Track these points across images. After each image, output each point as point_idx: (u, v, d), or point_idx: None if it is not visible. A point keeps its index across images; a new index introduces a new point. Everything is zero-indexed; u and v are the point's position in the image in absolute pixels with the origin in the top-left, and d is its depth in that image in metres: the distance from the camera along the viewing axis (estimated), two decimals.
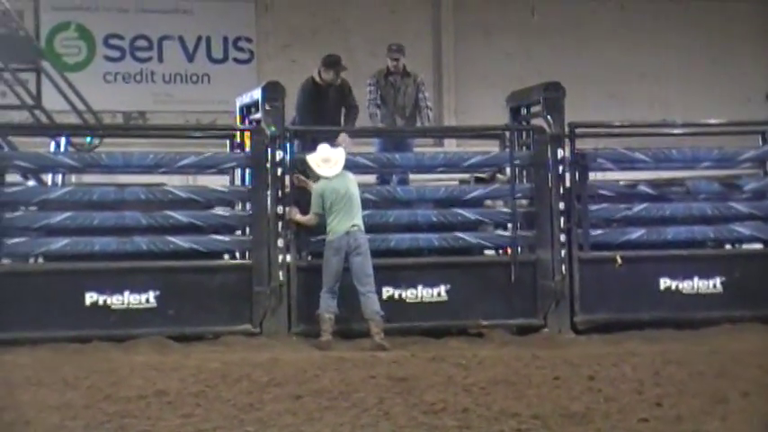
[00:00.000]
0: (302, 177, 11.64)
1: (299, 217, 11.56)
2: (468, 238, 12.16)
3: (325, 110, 12.78)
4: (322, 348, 10.77)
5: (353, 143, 12.43)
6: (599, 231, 12.28)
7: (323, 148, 11.54)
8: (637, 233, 12.30)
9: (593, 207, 12.29)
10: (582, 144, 12.46)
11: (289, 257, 11.64)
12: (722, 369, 8.77)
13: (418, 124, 13.54)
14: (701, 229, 12.50)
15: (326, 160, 11.44)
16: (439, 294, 11.93)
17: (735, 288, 12.23)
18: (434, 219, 12.17)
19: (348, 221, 11.27)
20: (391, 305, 11.53)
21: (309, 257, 11.81)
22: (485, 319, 11.82)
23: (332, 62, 12.86)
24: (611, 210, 12.41)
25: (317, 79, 12.84)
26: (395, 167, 12.61)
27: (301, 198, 11.65)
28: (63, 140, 13.20)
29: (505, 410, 6.71)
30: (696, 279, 12.20)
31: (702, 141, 13.36)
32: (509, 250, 12.37)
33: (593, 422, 6.32)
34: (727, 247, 12.93)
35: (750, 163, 13.04)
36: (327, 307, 11.07)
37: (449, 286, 11.94)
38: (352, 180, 11.53)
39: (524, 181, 12.42)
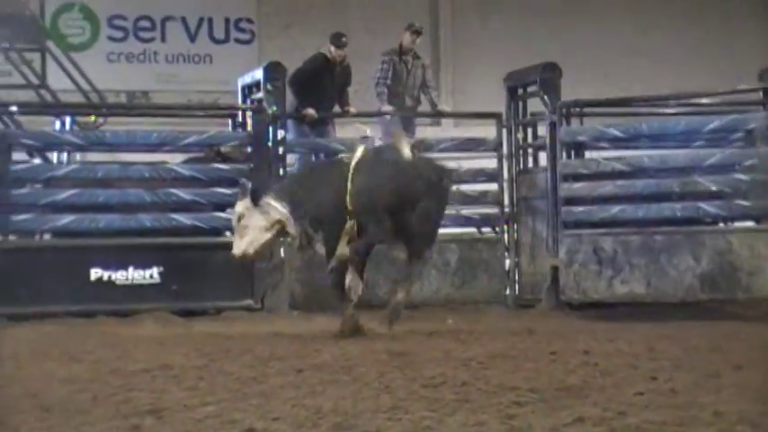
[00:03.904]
0: None
1: None
2: None
3: (331, 86, 12.85)
4: None
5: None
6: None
7: None
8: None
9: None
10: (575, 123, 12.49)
11: None
12: (715, 344, 8.77)
13: (426, 105, 13.69)
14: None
15: None
16: None
17: None
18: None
19: None
20: None
21: None
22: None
23: (342, 41, 13.01)
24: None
25: (328, 55, 12.92)
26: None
27: None
28: (68, 119, 13.22)
29: (503, 384, 6.69)
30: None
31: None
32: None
33: (589, 396, 6.31)
34: None
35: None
36: None
37: None
38: None
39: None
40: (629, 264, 11.91)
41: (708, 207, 11.92)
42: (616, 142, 12.40)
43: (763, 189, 11.81)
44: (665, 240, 11.93)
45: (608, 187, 12.10)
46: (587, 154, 12.53)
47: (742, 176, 11.84)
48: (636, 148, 12.57)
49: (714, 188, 11.87)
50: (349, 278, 9.66)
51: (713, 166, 11.95)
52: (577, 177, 12.22)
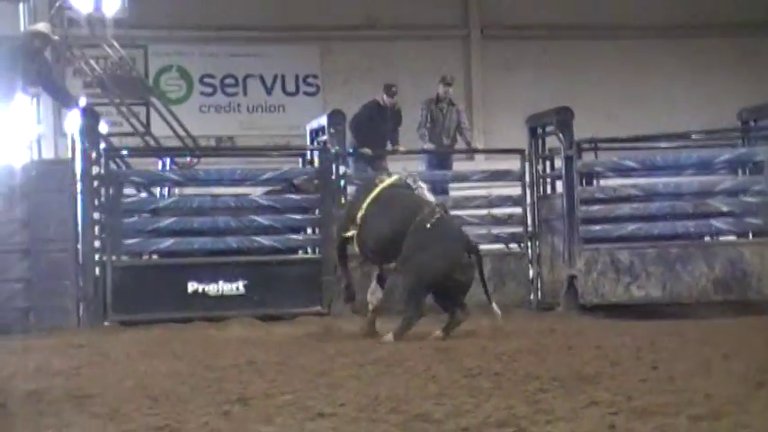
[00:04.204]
0: None
1: None
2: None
3: (383, 128, 12.93)
4: None
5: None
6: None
7: None
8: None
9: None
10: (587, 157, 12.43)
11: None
12: (706, 338, 8.68)
13: (462, 143, 13.75)
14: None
15: None
16: None
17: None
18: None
19: None
20: None
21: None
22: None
23: (392, 91, 13.13)
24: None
25: (381, 102, 13.01)
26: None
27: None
28: (168, 160, 13.32)
29: (530, 374, 6.65)
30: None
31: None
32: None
33: (601, 382, 6.25)
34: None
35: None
36: None
37: None
38: None
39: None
40: (645, 272, 11.79)
41: (720, 224, 11.87)
42: (628, 172, 12.28)
43: None
44: (679, 252, 11.80)
45: (625, 209, 12.02)
46: (601, 182, 12.46)
47: (751, 199, 11.80)
48: (631, 177, 12.45)
49: (725, 209, 11.83)
50: (371, 288, 9.55)
51: (724, 191, 11.95)
52: (595, 201, 12.14)
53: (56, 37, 13.23)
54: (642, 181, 12.39)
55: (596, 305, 11.84)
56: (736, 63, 19.85)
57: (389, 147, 13.22)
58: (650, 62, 19.77)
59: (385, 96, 13.17)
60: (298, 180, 12.18)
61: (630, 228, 11.94)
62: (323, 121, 12.54)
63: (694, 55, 19.92)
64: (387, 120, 13.13)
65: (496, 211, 12.66)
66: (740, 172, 12.51)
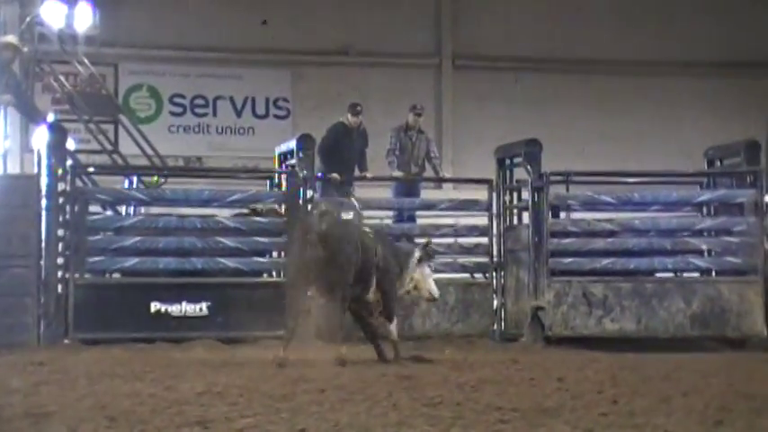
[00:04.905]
0: None
1: None
2: None
3: (351, 149, 12.96)
4: None
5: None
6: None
7: None
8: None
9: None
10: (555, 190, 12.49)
11: None
12: (667, 374, 8.73)
13: (430, 171, 13.76)
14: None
15: None
16: None
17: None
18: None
19: None
20: None
21: None
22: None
23: (357, 110, 13.15)
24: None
25: (346, 122, 13.04)
26: None
27: None
28: (135, 179, 13.27)
29: (491, 405, 6.66)
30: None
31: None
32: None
33: (562, 415, 6.28)
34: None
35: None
36: None
37: None
38: None
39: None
40: (619, 305, 11.82)
41: (699, 262, 11.97)
42: (602, 206, 12.35)
43: (751, 249, 11.85)
44: (656, 287, 11.86)
45: (599, 243, 12.08)
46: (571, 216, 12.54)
47: (732, 239, 11.93)
48: (601, 211, 12.54)
49: (704, 247, 11.95)
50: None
51: (702, 230, 12.10)
52: (565, 234, 12.19)
53: (25, 49, 13.17)
54: (614, 215, 12.48)
55: (562, 337, 11.87)
56: (705, 102, 20.05)
57: (357, 173, 13.23)
58: (620, 98, 19.93)
59: (350, 116, 13.22)
60: (261, 206, 12.14)
61: (604, 262, 11.99)
62: (292, 144, 12.56)
63: (664, 93, 20.11)
64: (353, 141, 13.16)
65: (463, 241, 12.69)
66: (704, 211, 12.64)
